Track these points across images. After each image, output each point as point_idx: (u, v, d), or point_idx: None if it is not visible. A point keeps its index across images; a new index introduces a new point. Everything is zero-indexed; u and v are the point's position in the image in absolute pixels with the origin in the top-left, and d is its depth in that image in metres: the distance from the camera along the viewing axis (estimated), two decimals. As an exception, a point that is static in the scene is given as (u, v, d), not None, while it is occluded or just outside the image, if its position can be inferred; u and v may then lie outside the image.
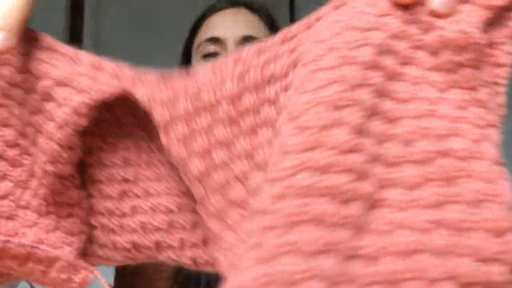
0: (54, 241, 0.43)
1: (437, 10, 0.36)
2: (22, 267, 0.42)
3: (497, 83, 0.36)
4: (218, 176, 0.39)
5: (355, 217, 0.31)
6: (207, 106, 0.40)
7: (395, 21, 0.36)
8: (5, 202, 0.44)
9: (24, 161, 0.45)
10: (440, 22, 0.36)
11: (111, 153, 0.46)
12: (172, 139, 0.40)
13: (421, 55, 0.37)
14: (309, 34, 0.39)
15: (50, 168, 0.42)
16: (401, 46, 0.36)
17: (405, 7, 0.37)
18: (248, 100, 0.39)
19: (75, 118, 0.41)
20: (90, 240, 0.47)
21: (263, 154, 0.39)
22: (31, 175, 0.44)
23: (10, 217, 0.43)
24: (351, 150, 0.32)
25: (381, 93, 0.35)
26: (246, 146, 0.39)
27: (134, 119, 0.47)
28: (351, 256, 0.31)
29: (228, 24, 1.03)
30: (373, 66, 0.35)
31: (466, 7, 0.36)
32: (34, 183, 0.44)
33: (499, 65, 0.36)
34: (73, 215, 0.45)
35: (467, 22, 0.36)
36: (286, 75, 0.39)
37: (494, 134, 0.33)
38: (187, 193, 0.44)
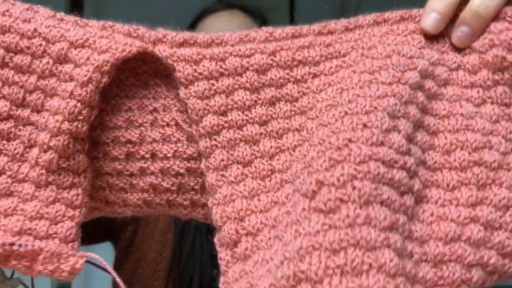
0: (55, 215, 0.43)
1: (456, 44, 0.44)
2: (6, 265, 0.41)
3: None
4: (228, 134, 0.44)
5: (408, 206, 0.39)
6: (232, 70, 0.44)
7: (433, 52, 0.44)
8: (3, 178, 0.43)
9: (20, 133, 0.44)
10: (478, 45, 0.43)
11: (113, 114, 0.47)
12: (191, 94, 0.44)
13: (460, 74, 0.44)
14: (349, 37, 0.46)
15: (66, 126, 0.42)
16: (440, 70, 0.44)
17: (436, 41, 0.44)
18: (275, 74, 0.45)
19: (99, 76, 0.43)
20: (98, 198, 0.48)
21: (277, 124, 0.44)
22: (29, 145, 0.44)
23: (9, 194, 0.43)
24: (406, 153, 0.39)
25: (424, 110, 0.42)
26: (262, 113, 0.44)
27: (135, 80, 0.48)
28: (407, 237, 0.38)
29: (223, 26, 1.03)
30: (418, 87, 0.42)
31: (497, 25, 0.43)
32: (33, 153, 0.44)
33: None
34: (76, 185, 0.44)
35: (502, 45, 0.42)
36: (317, 63, 0.45)
37: None
38: (197, 158, 0.46)
